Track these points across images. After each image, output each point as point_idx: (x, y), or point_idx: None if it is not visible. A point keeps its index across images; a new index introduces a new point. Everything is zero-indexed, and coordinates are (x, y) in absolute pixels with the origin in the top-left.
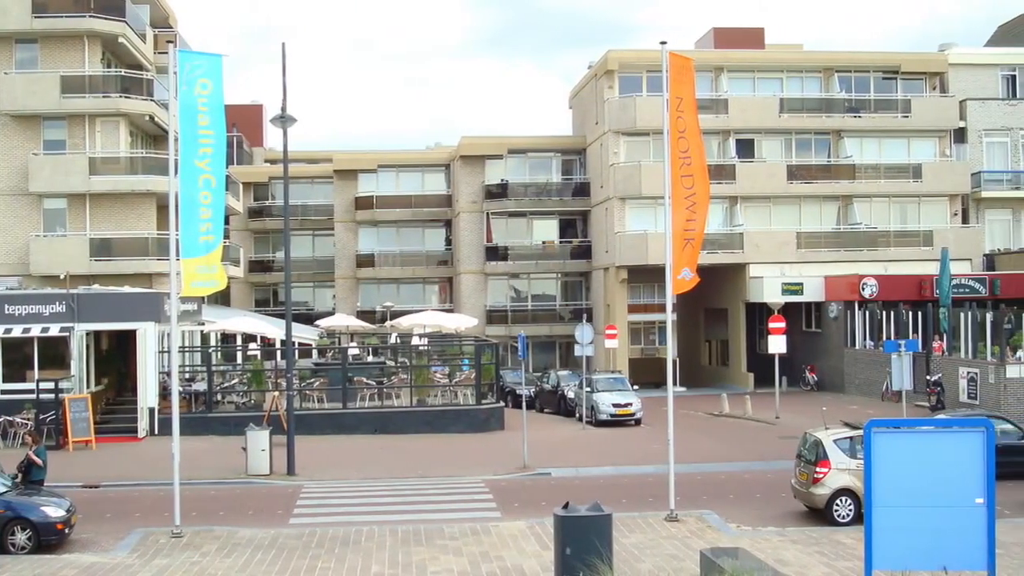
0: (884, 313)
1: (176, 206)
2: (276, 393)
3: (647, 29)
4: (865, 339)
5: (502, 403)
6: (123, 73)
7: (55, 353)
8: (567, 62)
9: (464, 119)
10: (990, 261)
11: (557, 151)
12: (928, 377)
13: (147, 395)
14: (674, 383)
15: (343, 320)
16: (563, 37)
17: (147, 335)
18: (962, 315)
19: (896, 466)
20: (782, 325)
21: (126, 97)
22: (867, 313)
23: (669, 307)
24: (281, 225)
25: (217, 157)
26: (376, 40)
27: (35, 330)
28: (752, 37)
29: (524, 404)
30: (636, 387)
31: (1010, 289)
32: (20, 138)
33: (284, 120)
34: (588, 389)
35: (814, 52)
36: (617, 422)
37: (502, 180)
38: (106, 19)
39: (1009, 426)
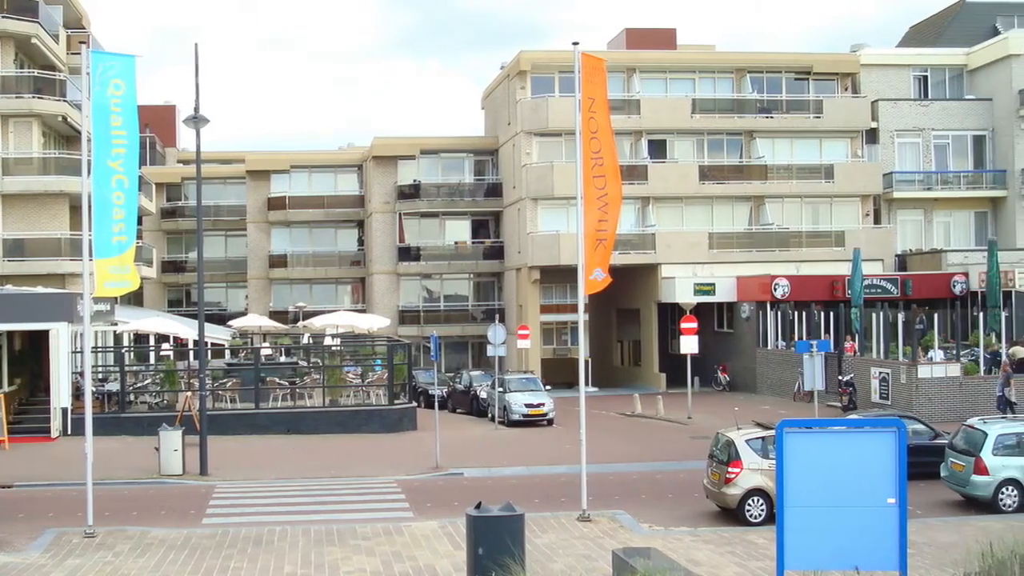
0: (796, 313)
1: (89, 207)
2: (189, 393)
3: (559, 30)
4: (777, 339)
5: (415, 403)
6: (36, 74)
7: None
8: (479, 63)
9: (378, 119)
10: (902, 262)
11: (470, 152)
12: (840, 377)
13: (60, 395)
14: (586, 383)
15: (256, 320)
16: (475, 38)
17: (60, 335)
18: (874, 315)
19: (808, 466)
20: (694, 325)
21: (39, 98)
22: (779, 313)
23: (581, 307)
24: (194, 225)
25: (130, 158)
26: (290, 40)
27: None
28: (664, 38)
29: (437, 404)
30: (548, 387)
31: (921, 289)
32: None
33: (197, 121)
34: (500, 389)
35: (726, 53)
36: (529, 422)
37: (415, 181)
38: (19, 19)
39: (921, 426)
